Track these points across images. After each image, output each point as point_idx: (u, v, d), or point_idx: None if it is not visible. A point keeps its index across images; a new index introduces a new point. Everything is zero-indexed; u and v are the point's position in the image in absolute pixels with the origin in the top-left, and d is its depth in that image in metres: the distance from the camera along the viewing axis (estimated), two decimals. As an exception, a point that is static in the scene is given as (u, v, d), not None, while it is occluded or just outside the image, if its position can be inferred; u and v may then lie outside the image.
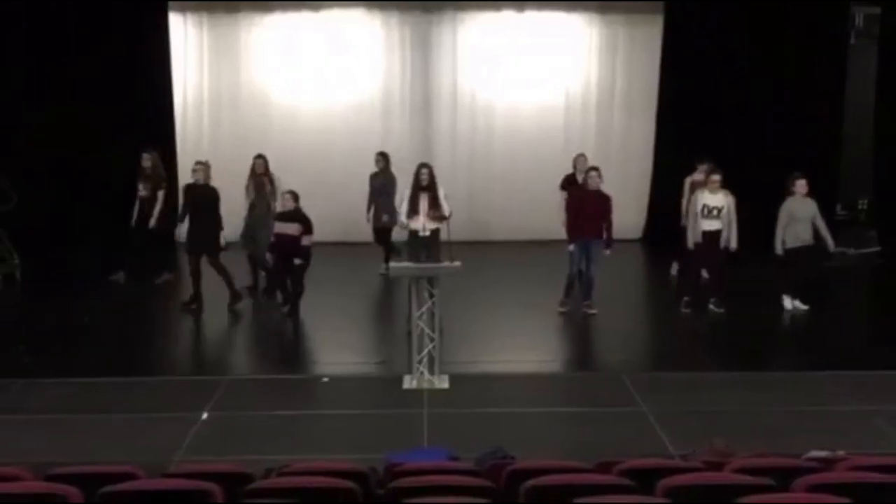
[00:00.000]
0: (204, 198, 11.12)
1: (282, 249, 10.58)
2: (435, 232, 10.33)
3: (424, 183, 10.44)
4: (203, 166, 11.27)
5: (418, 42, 15.02)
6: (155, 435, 7.50)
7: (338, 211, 13.52)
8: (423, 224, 10.36)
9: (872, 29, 15.53)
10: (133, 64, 13.92)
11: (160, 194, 12.19)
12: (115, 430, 7.66)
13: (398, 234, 12.03)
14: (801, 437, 6.65)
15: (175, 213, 12.09)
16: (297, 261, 10.53)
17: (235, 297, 11.11)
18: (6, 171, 12.49)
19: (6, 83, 13.68)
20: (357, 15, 14.94)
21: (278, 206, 11.26)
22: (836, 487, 3.96)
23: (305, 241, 10.51)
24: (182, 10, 14.75)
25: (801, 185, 10.97)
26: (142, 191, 12.15)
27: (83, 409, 8.08)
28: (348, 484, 4.26)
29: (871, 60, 15.22)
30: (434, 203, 10.37)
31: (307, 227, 10.54)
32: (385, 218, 12.47)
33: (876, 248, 14.21)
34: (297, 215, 10.61)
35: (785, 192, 11.03)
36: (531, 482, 3.83)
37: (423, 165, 10.65)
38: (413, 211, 10.41)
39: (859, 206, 15.07)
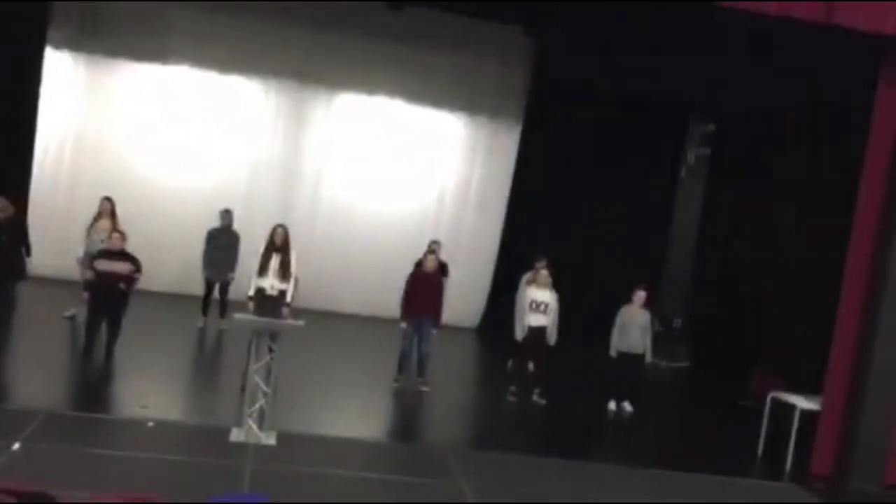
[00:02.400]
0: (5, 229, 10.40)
1: (107, 287, 10.04)
2: (282, 292, 10.01)
3: (279, 243, 10.18)
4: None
5: (292, 113, 14.92)
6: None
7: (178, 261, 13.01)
8: (271, 283, 10.05)
9: (701, 168, 16.52)
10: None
11: None
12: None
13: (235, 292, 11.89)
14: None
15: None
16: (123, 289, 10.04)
17: None
18: None
19: None
20: (235, 81, 14.77)
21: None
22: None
23: (135, 279, 10.12)
24: (60, 46, 14.19)
25: (638, 297, 11.31)
26: None
27: None
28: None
29: (698, 195, 16.14)
30: (285, 264, 10.11)
31: (138, 267, 10.14)
32: (230, 275, 12.25)
33: (685, 364, 14.77)
34: (127, 255, 10.17)
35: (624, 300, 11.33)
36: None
37: (279, 226, 10.35)
38: (263, 269, 10.10)
39: (674, 325, 15.68)
